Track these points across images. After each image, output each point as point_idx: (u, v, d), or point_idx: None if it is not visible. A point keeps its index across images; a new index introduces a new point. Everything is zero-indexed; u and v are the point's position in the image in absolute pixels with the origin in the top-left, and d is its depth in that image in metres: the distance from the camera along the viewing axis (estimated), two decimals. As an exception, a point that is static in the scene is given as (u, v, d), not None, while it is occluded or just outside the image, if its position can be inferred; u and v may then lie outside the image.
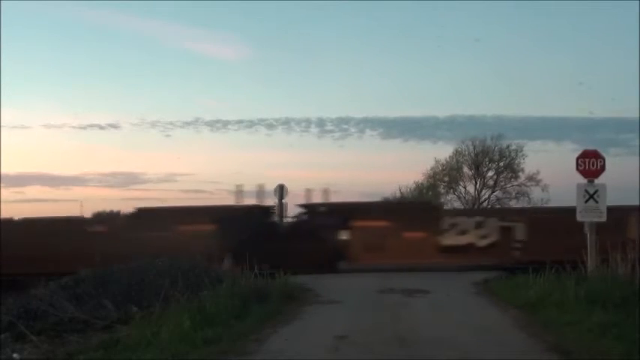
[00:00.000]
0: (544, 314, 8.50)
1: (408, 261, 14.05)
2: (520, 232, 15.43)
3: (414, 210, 16.21)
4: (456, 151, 41.63)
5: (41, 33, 60.44)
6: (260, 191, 19.08)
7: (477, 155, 41.04)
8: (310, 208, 16.70)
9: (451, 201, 41.98)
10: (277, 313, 9.14)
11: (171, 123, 58.00)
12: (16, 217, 17.60)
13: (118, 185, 55.20)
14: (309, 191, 19.51)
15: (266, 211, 17.25)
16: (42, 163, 69.71)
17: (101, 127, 58.35)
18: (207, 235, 15.32)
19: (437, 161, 41.90)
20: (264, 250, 13.14)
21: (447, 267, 14.98)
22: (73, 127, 65.54)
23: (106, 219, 17.38)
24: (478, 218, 15.86)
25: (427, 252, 14.66)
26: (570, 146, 46.93)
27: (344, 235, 15.67)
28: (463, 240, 15.38)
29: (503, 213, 16.49)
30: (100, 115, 72.28)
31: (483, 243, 15.32)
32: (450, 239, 15.41)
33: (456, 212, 15.93)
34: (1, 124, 53.52)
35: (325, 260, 14.74)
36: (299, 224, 16.22)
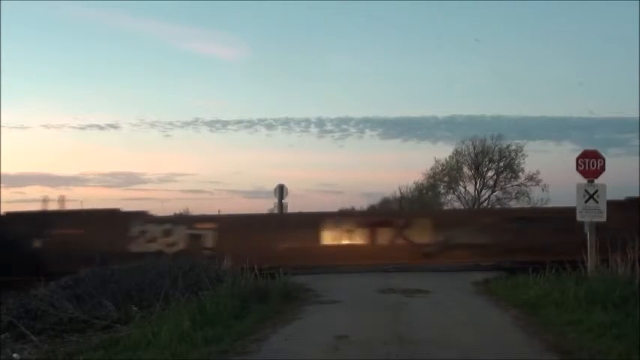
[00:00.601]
0: (544, 314, 8.51)
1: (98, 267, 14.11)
2: (209, 239, 15.62)
3: (103, 217, 16.11)
4: (456, 151, 41.76)
5: (41, 33, 60.68)
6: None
7: (476, 155, 41.11)
8: (8, 218, 16.48)
9: (451, 201, 42.16)
10: (277, 313, 9.15)
11: (170, 123, 58.22)
12: None
13: (118, 185, 55.35)
14: (45, 200, 19.60)
15: None
16: (42, 163, 69.97)
17: (101, 128, 58.58)
18: None
19: (437, 161, 42.01)
20: None
21: (447, 267, 15.01)
22: (73, 127, 65.86)
23: None
24: (167, 226, 15.94)
25: (116, 259, 14.79)
26: (570, 146, 47.18)
27: (38, 244, 15.58)
28: (152, 247, 15.45)
29: (192, 221, 16.69)
30: (100, 115, 72.65)
31: (172, 250, 15.43)
32: (138, 246, 15.48)
33: (145, 220, 15.85)
34: (1, 124, 53.55)
35: (19, 269, 14.18)
36: None
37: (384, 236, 15.55)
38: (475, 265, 14.93)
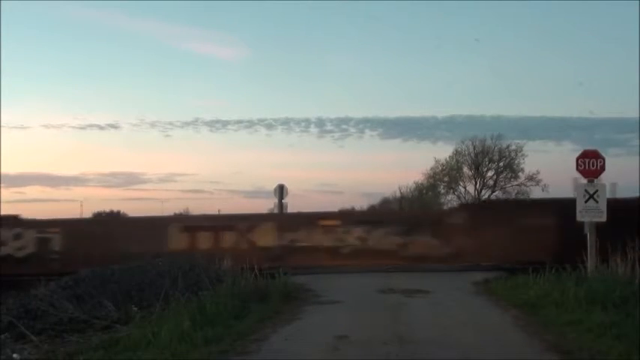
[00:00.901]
0: (544, 314, 8.52)
1: None
2: (57, 243, 15.81)
3: None
4: (456, 151, 41.83)
5: (41, 33, 60.74)
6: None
7: (476, 155, 41.17)
8: None
9: (451, 201, 42.18)
10: (277, 313, 9.16)
11: (170, 123, 58.40)
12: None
13: (118, 185, 55.47)
14: None
15: None
16: (42, 163, 70.12)
17: (101, 128, 58.73)
18: None
19: (437, 161, 42.08)
20: None
21: (448, 267, 15.03)
22: (73, 127, 66.03)
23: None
24: (16, 230, 16.07)
25: None
26: (570, 146, 47.28)
27: None
28: (3, 251, 15.67)
29: (42, 225, 16.80)
30: (100, 115, 72.87)
31: (21, 254, 15.64)
32: None
33: None
34: (1, 124, 53.59)
35: None
36: None
37: (229, 240, 15.63)
38: (475, 265, 14.93)
